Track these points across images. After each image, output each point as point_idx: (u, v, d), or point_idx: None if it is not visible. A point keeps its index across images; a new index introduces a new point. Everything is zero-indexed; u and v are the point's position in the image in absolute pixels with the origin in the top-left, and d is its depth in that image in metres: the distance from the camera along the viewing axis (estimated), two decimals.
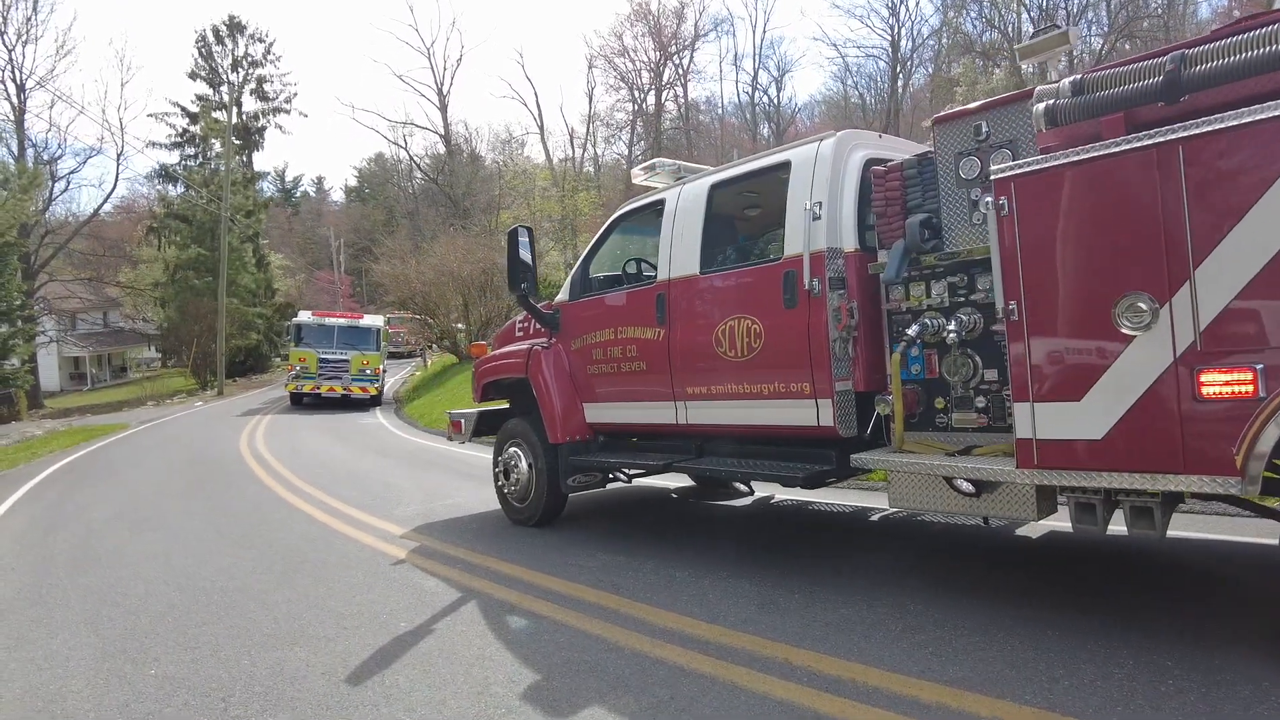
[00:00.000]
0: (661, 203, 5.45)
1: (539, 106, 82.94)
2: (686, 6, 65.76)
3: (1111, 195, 3.08)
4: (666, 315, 5.18)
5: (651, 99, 65.63)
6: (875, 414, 4.30)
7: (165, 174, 41.51)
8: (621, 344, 5.52)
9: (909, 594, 4.05)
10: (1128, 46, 47.11)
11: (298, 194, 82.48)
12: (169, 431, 18.24)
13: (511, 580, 4.77)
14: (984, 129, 4.00)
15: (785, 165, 4.67)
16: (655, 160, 5.76)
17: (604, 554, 5.25)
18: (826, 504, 6.54)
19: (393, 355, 36.82)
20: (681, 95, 67.49)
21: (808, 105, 70.15)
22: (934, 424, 4.22)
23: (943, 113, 4.31)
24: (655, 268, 5.96)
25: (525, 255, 5.76)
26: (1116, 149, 3.03)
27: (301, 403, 23.74)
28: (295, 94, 49.83)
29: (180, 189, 40.88)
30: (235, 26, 47.00)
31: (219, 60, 46.70)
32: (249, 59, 47.68)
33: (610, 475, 6.03)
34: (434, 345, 37.33)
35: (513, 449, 6.30)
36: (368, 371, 23.99)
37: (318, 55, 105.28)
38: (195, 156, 43.32)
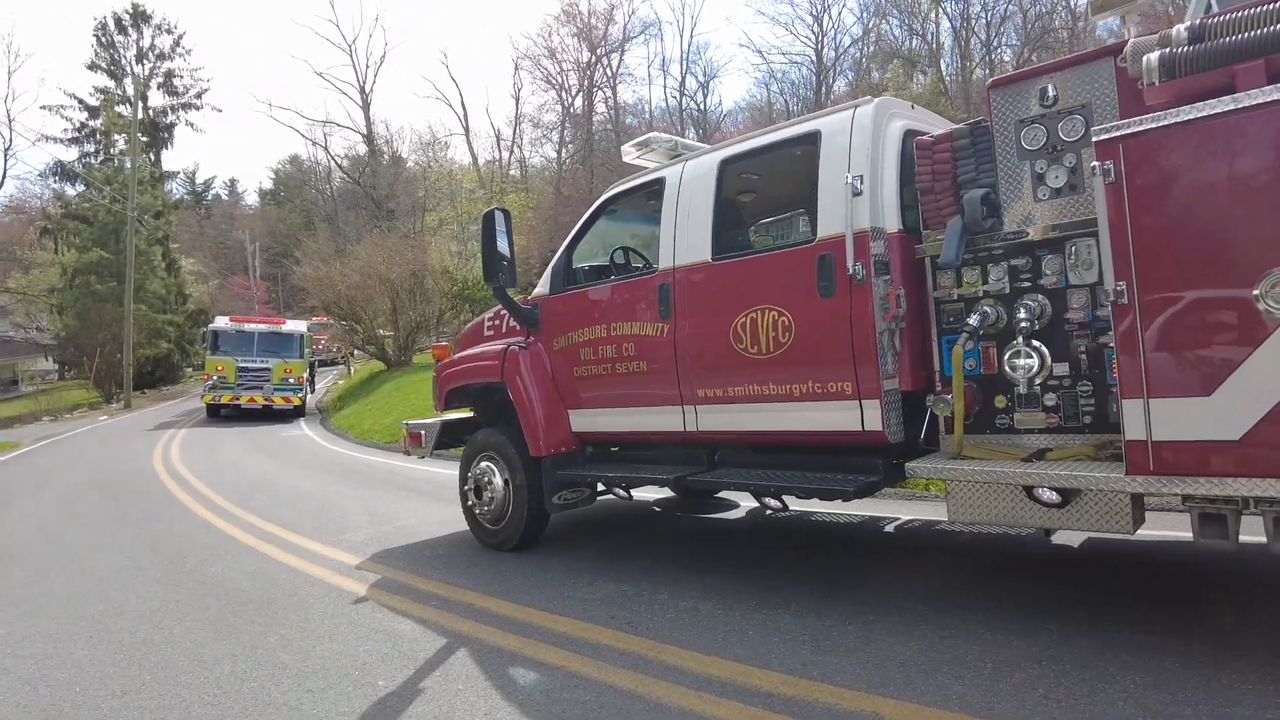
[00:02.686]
0: (660, 183, 4.83)
1: (464, 107, 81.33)
2: (616, 9, 65.56)
3: (1252, 154, 2.63)
4: (671, 308, 4.57)
5: (580, 102, 65.15)
6: (926, 417, 3.81)
7: (62, 171, 38.52)
8: (615, 342, 4.88)
9: (979, 619, 3.54)
10: (1035, 57, 49.11)
11: (209, 197, 78.42)
12: (71, 449, 16.51)
13: (503, 620, 4.06)
14: (1051, 92, 3.55)
15: (813, 136, 4.13)
16: (650, 135, 5.15)
17: (605, 583, 4.59)
18: (828, 514, 6.04)
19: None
20: (611, 98, 67.21)
21: (733, 111, 71.05)
22: (993, 425, 3.75)
23: (1001, 75, 3.85)
24: (652, 256, 5.36)
25: (502, 242, 5.04)
26: (1262, 100, 2.58)
27: (219, 415, 22.11)
28: (207, 89, 47.09)
29: (80, 188, 37.98)
30: (140, 16, 44.04)
31: (122, 51, 43.69)
32: (155, 51, 44.77)
33: (599, 491, 5.38)
34: (355, 351, 35.69)
35: (484, 464, 5.56)
36: (290, 380, 22.55)
37: (232, 50, 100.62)
38: (96, 153, 40.28)
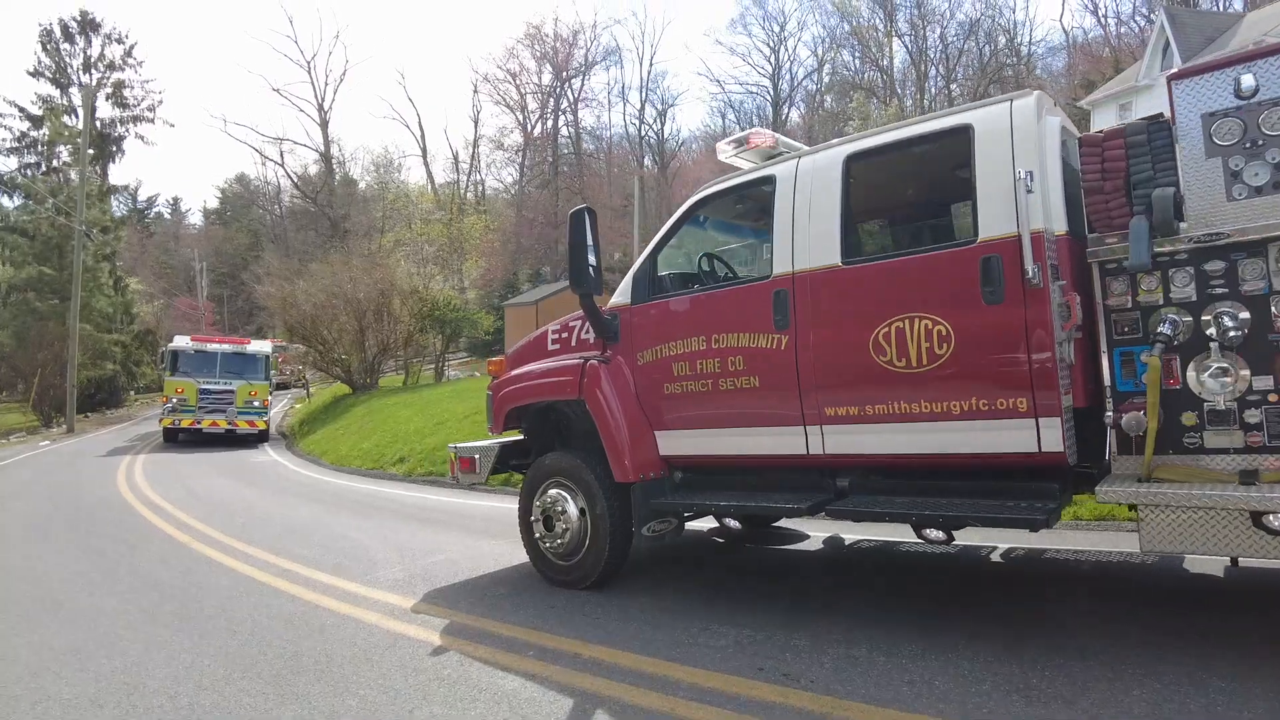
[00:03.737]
0: (769, 181, 4.42)
1: (421, 129, 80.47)
2: (579, 34, 65.94)
3: None
4: (792, 317, 4.13)
5: (541, 125, 65.07)
6: (1109, 436, 3.44)
7: (1, 182, 36.45)
8: (718, 356, 4.41)
9: (1200, 662, 3.14)
10: (991, 90, 50.84)
11: (151, 214, 75.78)
12: (18, 478, 15.18)
13: (631, 674, 3.51)
14: (1249, 83, 3.25)
15: (963, 131, 3.77)
16: (751, 131, 4.73)
17: (720, 626, 4.07)
18: (909, 543, 5.64)
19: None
20: (573, 122, 67.30)
21: (689, 139, 72.28)
22: (1178, 445, 3.39)
23: (1185, 67, 3.56)
24: (744, 262, 4.95)
25: (591, 244, 4.56)
26: None
27: (177, 440, 20.79)
28: (160, 102, 45.33)
29: (19, 199, 36.03)
30: (89, 24, 42.43)
31: (68, 59, 41.99)
32: (105, 60, 43.11)
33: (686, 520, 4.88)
34: (306, 376, 34.24)
35: (555, 491, 5.01)
36: (255, 404, 21.39)
37: (181, 64, 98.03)
38: (38, 164, 38.37)
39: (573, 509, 4.88)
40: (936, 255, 3.80)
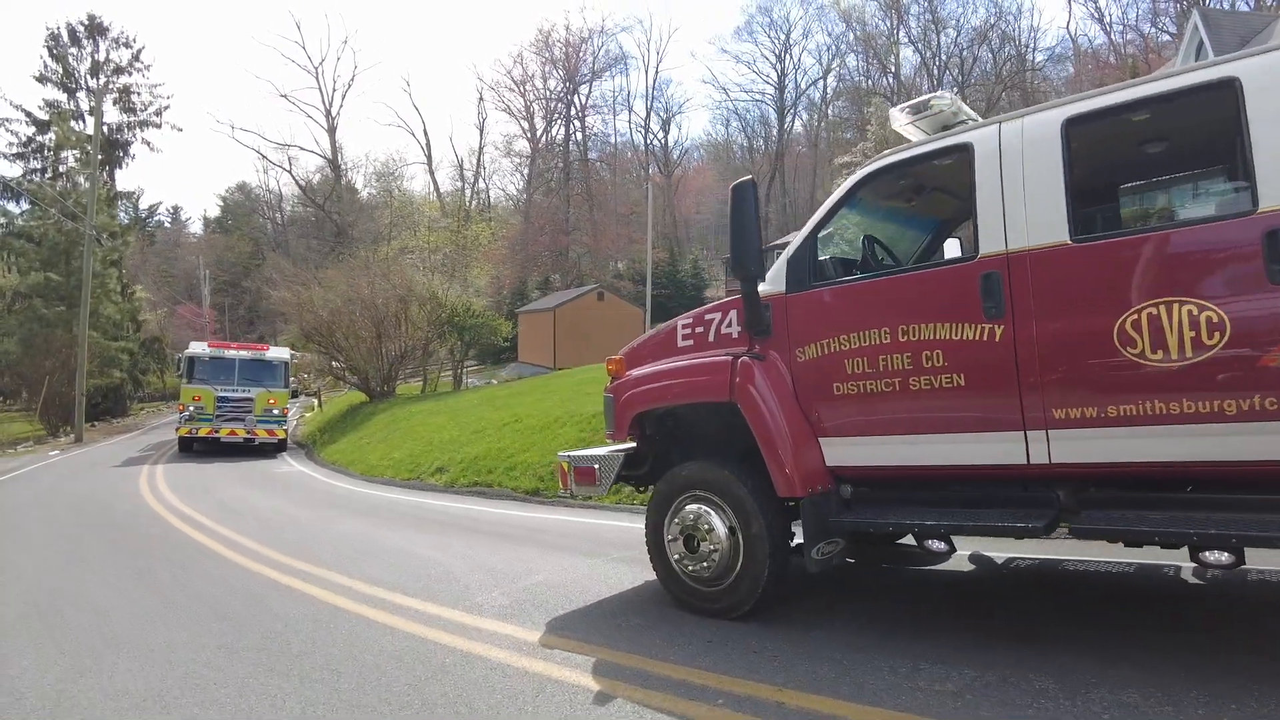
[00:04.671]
0: (965, 149, 3.82)
1: (427, 135, 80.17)
2: (585, 42, 65.75)
3: None
4: (1007, 304, 3.53)
5: (551, 131, 64.78)
6: None
7: (6, 188, 35.81)
8: (908, 350, 3.81)
9: None
10: (1005, 96, 50.53)
11: (152, 223, 75.50)
12: (35, 491, 14.50)
13: None
14: None
15: (1226, 85, 3.18)
16: (933, 95, 4.14)
17: (930, 664, 3.43)
18: (1074, 560, 5.04)
19: None
20: (580, 129, 67.08)
21: (693, 147, 72.42)
22: None
23: None
24: (907, 247, 4.37)
25: (753, 223, 3.97)
26: None
27: (192, 449, 20.14)
28: (168, 107, 44.69)
29: (24, 205, 35.42)
30: (96, 28, 41.89)
31: (75, 64, 41.43)
32: (112, 64, 42.57)
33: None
34: (318, 385, 33.55)
35: (695, 506, 4.39)
36: (275, 412, 20.75)
37: (188, 70, 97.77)
38: (44, 170, 37.77)
39: (720, 527, 4.27)
40: (1199, 230, 3.22)
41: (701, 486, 4.39)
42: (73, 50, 41.24)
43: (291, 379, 23.49)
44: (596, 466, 4.88)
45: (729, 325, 4.47)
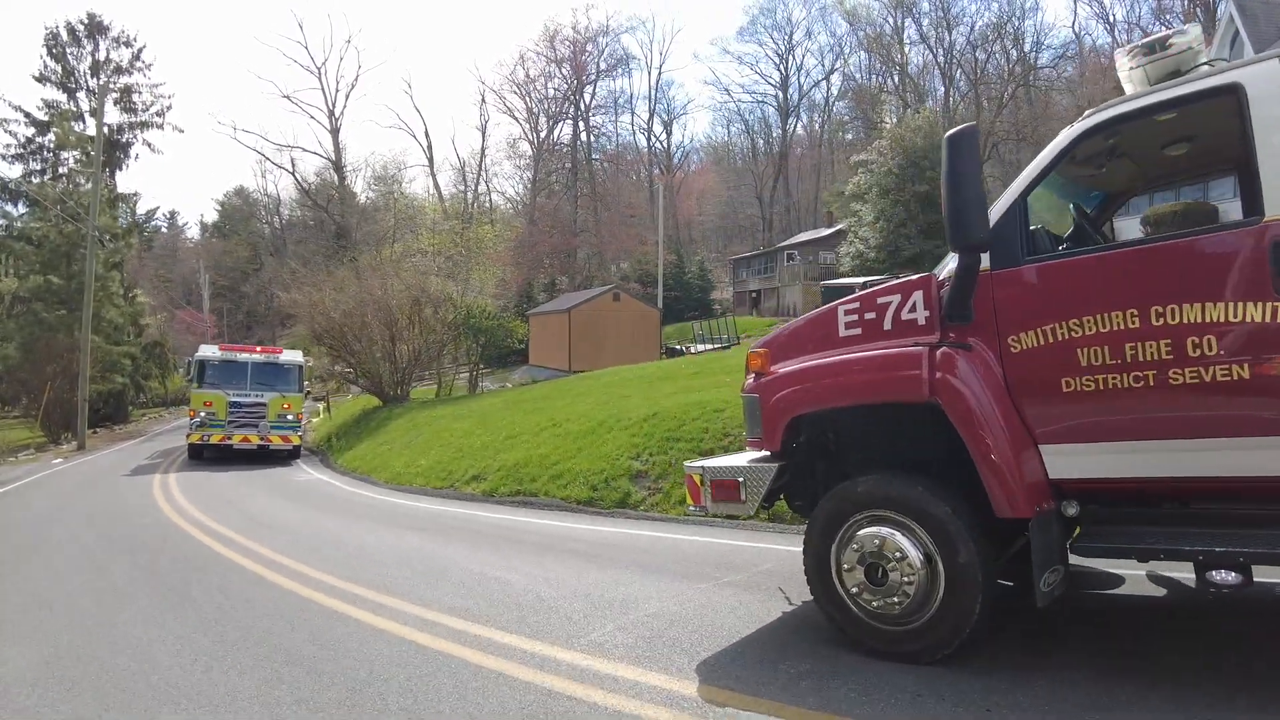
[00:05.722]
0: (1233, 90, 3.08)
1: (429, 138, 79.43)
2: (591, 41, 65.22)
3: None
4: None
5: (554, 132, 64.16)
6: None
7: (5, 189, 34.96)
8: (1166, 336, 3.07)
9: None
10: (1020, 94, 49.97)
11: (149, 227, 74.89)
12: (46, 502, 13.68)
13: None
14: None
15: None
16: (1174, 32, 3.41)
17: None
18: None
19: None
20: (585, 129, 66.51)
21: (694, 149, 72.20)
22: None
23: None
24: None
25: (977, 180, 3.24)
26: None
27: (202, 456, 19.32)
28: (170, 107, 43.79)
29: (23, 207, 34.58)
30: (96, 27, 41.03)
31: (75, 63, 40.52)
32: (112, 64, 41.70)
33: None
34: (327, 391, 32.75)
35: (876, 529, 3.64)
36: (289, 417, 19.94)
37: (189, 70, 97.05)
38: (43, 171, 36.94)
39: (913, 554, 3.52)
40: None
41: (885, 505, 3.64)
42: (72, 50, 40.38)
43: (307, 383, 22.70)
44: (741, 480, 4.12)
45: (911, 310, 3.72)
